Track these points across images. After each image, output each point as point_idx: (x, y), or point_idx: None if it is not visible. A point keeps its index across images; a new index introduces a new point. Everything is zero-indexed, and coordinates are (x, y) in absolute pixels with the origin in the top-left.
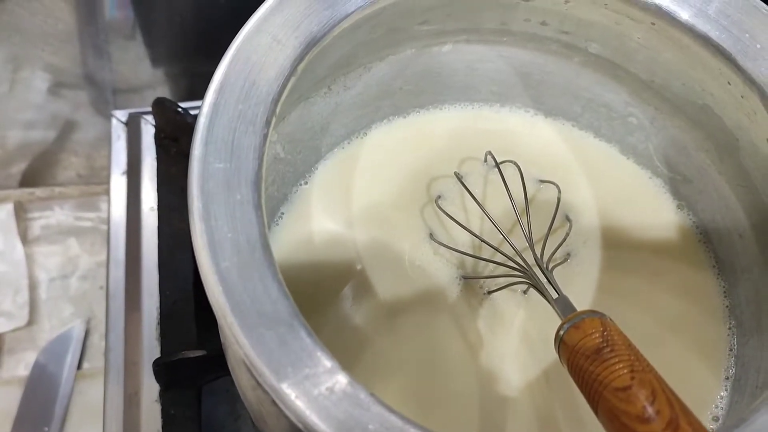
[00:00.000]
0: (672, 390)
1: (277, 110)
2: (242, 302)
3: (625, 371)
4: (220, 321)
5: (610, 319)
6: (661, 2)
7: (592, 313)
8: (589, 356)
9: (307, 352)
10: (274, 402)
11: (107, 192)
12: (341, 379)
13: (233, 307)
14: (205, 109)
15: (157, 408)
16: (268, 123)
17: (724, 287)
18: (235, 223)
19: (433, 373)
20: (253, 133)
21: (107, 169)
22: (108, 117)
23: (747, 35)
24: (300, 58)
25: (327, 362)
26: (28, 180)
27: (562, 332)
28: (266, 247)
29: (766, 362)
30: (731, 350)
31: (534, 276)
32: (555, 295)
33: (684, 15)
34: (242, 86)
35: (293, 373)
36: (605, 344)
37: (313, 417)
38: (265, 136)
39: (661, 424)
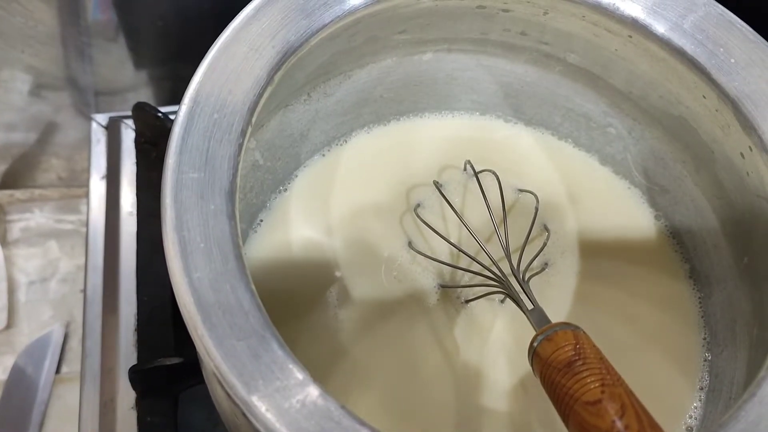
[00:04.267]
0: (641, 404)
1: (254, 119)
2: (214, 313)
3: (596, 385)
4: (192, 332)
5: (584, 332)
6: (638, 15)
7: (565, 325)
8: (560, 369)
9: (279, 364)
10: (245, 414)
11: (87, 191)
12: (312, 392)
13: (204, 319)
14: (180, 118)
15: (133, 415)
16: (243, 133)
17: (699, 298)
18: (208, 233)
19: (410, 381)
20: (228, 143)
21: (87, 166)
22: (90, 119)
23: (721, 50)
24: (277, 67)
25: (299, 374)
26: (8, 182)
27: (535, 344)
28: (239, 258)
29: (739, 374)
30: (706, 361)
31: (510, 286)
32: (530, 306)
33: (660, 28)
34: (218, 95)
35: (264, 386)
36: (577, 357)
37: (283, 430)
38: (241, 145)
39: None
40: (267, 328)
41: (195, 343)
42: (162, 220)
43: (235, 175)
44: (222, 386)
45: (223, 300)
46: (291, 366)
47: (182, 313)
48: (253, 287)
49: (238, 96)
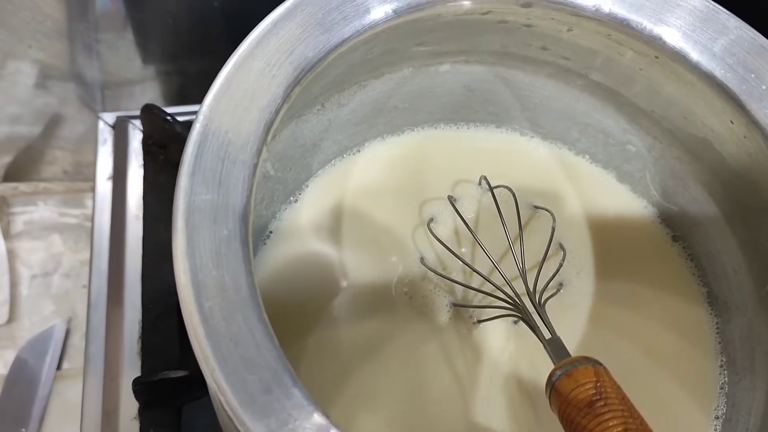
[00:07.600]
0: None
1: (269, 138)
2: (225, 345)
3: (619, 429)
4: (201, 364)
5: (605, 368)
6: (666, 37)
7: (585, 360)
8: (581, 409)
9: (291, 400)
10: None
11: (92, 189)
12: (326, 429)
13: (215, 351)
14: (193, 136)
15: (135, 425)
16: (258, 152)
17: (717, 323)
18: (220, 260)
19: (419, 403)
20: (242, 163)
21: (93, 167)
22: (96, 114)
23: (752, 75)
24: (294, 84)
25: (311, 410)
26: (12, 174)
27: (554, 379)
28: (252, 286)
29: (758, 404)
30: (722, 389)
31: (525, 310)
32: (548, 335)
33: (689, 51)
34: (233, 113)
35: (275, 423)
36: (598, 397)
37: None
38: (255, 166)
39: None
40: (279, 361)
41: (205, 374)
42: (173, 245)
43: (249, 198)
44: (232, 421)
45: (235, 331)
46: (304, 401)
47: (192, 344)
48: (266, 317)
49: (254, 114)
